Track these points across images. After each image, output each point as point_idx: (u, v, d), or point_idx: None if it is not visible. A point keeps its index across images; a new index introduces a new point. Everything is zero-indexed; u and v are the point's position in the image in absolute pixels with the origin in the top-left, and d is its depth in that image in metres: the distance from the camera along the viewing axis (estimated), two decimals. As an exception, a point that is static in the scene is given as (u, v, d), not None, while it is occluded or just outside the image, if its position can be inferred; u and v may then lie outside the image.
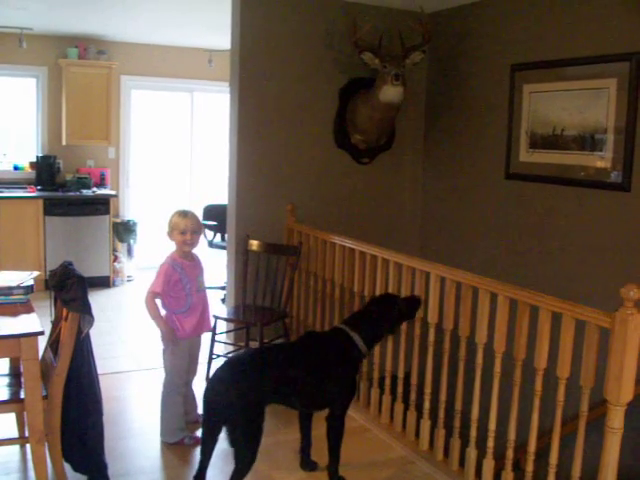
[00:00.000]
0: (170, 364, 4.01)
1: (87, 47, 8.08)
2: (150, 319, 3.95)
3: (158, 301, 3.93)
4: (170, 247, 4.01)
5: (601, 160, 4.52)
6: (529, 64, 5.00)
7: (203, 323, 4.09)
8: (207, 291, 4.21)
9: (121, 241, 8.36)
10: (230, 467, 3.73)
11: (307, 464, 3.76)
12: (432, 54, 5.78)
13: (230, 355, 3.37)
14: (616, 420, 2.76)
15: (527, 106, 5.04)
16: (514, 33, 5.15)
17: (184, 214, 3.94)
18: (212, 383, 3.25)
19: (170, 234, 3.94)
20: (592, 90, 4.56)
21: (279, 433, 4.21)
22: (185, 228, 3.88)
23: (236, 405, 3.11)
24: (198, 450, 3.91)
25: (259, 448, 3.23)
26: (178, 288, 3.89)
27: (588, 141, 4.60)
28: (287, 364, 3.34)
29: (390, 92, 5.11)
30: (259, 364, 3.31)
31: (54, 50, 8.06)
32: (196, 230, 3.93)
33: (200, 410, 4.32)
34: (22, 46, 7.58)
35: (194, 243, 3.95)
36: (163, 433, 4.04)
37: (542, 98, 4.92)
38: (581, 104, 4.63)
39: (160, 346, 4.06)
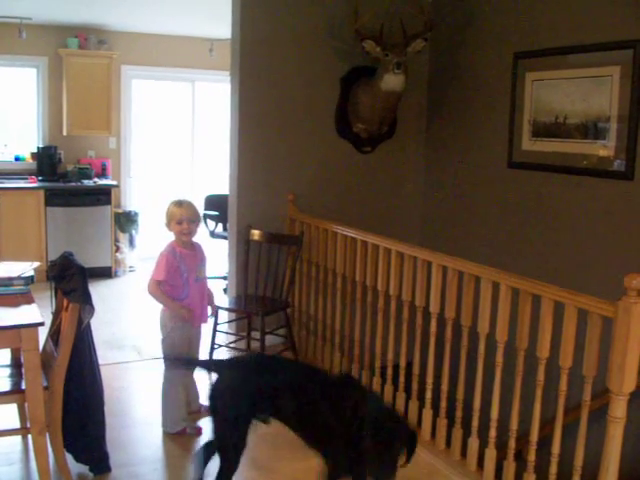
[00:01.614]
0: (169, 353, 3.99)
1: (87, 37, 8.05)
2: (156, 309, 3.95)
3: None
4: (171, 237, 4.00)
5: (604, 148, 4.49)
6: (532, 52, 4.97)
7: (201, 314, 4.06)
8: (209, 281, 4.20)
9: (123, 231, 8.34)
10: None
11: None
12: (434, 42, 5.74)
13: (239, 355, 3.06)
14: (619, 410, 2.76)
15: (530, 94, 5.00)
16: (517, 21, 5.11)
17: (179, 203, 3.92)
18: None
19: (168, 224, 3.93)
20: (595, 78, 4.52)
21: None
22: (181, 217, 3.86)
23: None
24: (199, 440, 3.94)
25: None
26: (176, 276, 3.88)
27: (591, 129, 4.57)
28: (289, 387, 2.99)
29: (392, 80, 5.08)
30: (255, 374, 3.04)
31: (54, 40, 8.02)
32: (192, 219, 3.91)
33: (202, 400, 4.34)
34: (22, 36, 7.54)
35: (191, 232, 3.93)
36: (165, 423, 4.04)
37: (545, 86, 4.89)
38: (584, 92, 4.60)
39: (159, 335, 4.04)
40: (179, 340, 3.98)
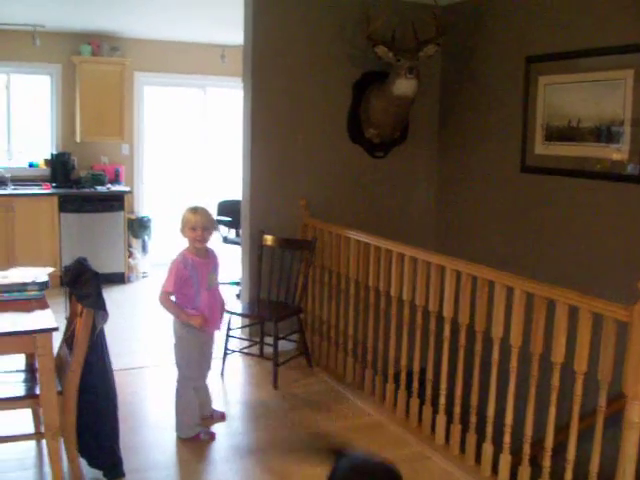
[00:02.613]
0: (181, 359, 4.00)
1: (100, 44, 8.09)
2: (169, 315, 3.96)
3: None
4: (184, 243, 4.00)
5: (617, 152, 4.47)
6: (544, 56, 4.95)
7: (213, 322, 4.04)
8: (221, 287, 4.20)
9: (135, 237, 8.37)
10: (244, 463, 3.75)
11: None
12: (446, 47, 5.74)
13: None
14: (634, 414, 2.74)
15: (542, 98, 4.99)
16: (529, 25, 5.10)
17: (194, 210, 3.92)
18: None
19: (182, 231, 3.93)
20: (608, 81, 4.51)
21: (297, 428, 4.20)
22: (195, 224, 3.86)
23: None
24: (213, 446, 3.94)
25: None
26: (187, 286, 3.88)
27: (604, 133, 4.55)
28: None
29: (404, 85, 5.08)
30: None
31: (67, 47, 8.07)
32: (207, 226, 3.91)
33: (214, 405, 4.34)
34: (35, 44, 7.59)
35: (205, 239, 3.93)
36: (178, 428, 4.04)
37: (557, 90, 4.88)
38: (597, 96, 4.58)
39: (172, 341, 4.05)
40: (191, 346, 3.98)
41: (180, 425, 4.03)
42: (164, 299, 3.88)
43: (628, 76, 4.35)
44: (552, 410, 3.26)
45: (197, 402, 4.09)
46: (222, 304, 4.20)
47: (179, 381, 4.03)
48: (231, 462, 3.80)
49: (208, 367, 4.23)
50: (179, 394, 4.03)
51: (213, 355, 4.26)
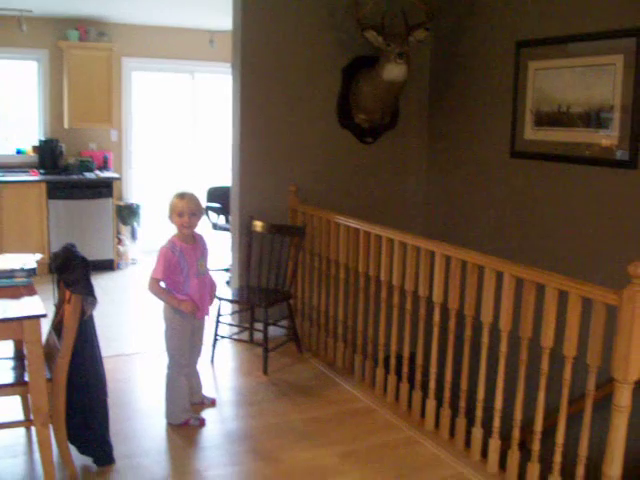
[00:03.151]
0: (172, 345, 3.99)
1: (87, 29, 8.01)
2: (158, 301, 3.95)
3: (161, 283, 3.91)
4: (173, 229, 3.98)
5: (607, 137, 4.47)
6: (534, 41, 4.94)
7: (202, 308, 4.02)
8: (212, 273, 4.19)
9: (125, 224, 8.34)
10: (235, 449, 3.76)
11: None
12: (436, 32, 5.72)
13: None
14: (623, 398, 2.75)
15: (532, 83, 4.98)
16: (519, 9, 5.09)
17: (181, 196, 3.89)
18: None
19: (170, 217, 3.90)
20: (598, 67, 4.50)
21: (287, 414, 4.20)
22: (182, 210, 3.83)
23: None
24: (203, 432, 3.94)
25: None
26: (176, 272, 3.86)
27: (594, 118, 4.55)
28: None
29: (394, 70, 5.06)
30: None
31: (54, 32, 7.99)
32: (194, 212, 3.88)
33: (205, 391, 4.34)
34: (22, 29, 7.51)
35: (192, 225, 3.90)
36: (168, 415, 4.03)
37: (547, 75, 4.87)
38: (587, 81, 4.57)
39: (162, 327, 4.04)
40: (182, 332, 3.97)
41: (170, 411, 4.02)
42: (153, 286, 3.86)
43: (618, 61, 4.35)
44: (541, 394, 3.27)
45: (187, 388, 4.08)
46: (213, 289, 4.19)
47: (170, 367, 4.02)
48: (222, 448, 3.80)
49: (199, 353, 4.23)
50: (170, 380, 4.02)
51: (203, 341, 4.25)
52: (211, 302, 4.19)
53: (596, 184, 4.59)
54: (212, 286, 4.17)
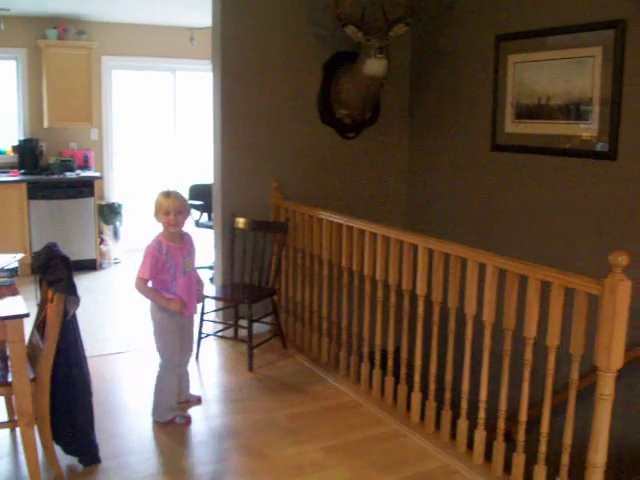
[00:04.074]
0: (162, 344, 3.97)
1: (66, 28, 7.96)
2: (143, 300, 3.93)
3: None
4: (157, 228, 3.96)
5: (587, 130, 4.49)
6: (513, 34, 4.96)
7: (190, 306, 4.00)
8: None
9: (107, 223, 8.29)
10: (222, 445, 3.75)
11: None
12: (416, 26, 5.71)
13: None
14: (607, 387, 2.77)
15: (512, 77, 5.00)
16: (498, 3, 5.10)
17: (167, 194, 3.87)
18: None
19: (155, 215, 3.88)
20: (577, 59, 4.52)
21: (273, 410, 4.20)
22: (168, 208, 3.81)
23: None
24: (189, 429, 3.93)
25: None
26: (163, 271, 3.84)
27: (574, 111, 4.57)
28: None
29: (374, 65, 5.06)
30: None
31: (33, 31, 7.93)
32: (180, 210, 3.86)
33: (192, 391, 4.33)
34: (0, 28, 7.45)
35: (178, 224, 3.88)
36: (154, 412, 4.02)
37: (527, 68, 4.89)
38: (566, 74, 4.60)
39: (150, 327, 4.02)
40: (170, 331, 3.95)
41: (157, 409, 4.01)
42: (140, 285, 3.83)
43: (597, 54, 4.37)
44: (525, 385, 3.29)
45: (177, 388, 4.07)
46: (200, 287, 4.18)
47: (162, 366, 4.00)
48: (208, 445, 3.80)
49: (189, 350, 4.21)
50: (160, 378, 4.00)
51: (193, 339, 4.24)
52: (199, 300, 4.19)
53: (577, 176, 4.61)
54: (199, 284, 4.17)
